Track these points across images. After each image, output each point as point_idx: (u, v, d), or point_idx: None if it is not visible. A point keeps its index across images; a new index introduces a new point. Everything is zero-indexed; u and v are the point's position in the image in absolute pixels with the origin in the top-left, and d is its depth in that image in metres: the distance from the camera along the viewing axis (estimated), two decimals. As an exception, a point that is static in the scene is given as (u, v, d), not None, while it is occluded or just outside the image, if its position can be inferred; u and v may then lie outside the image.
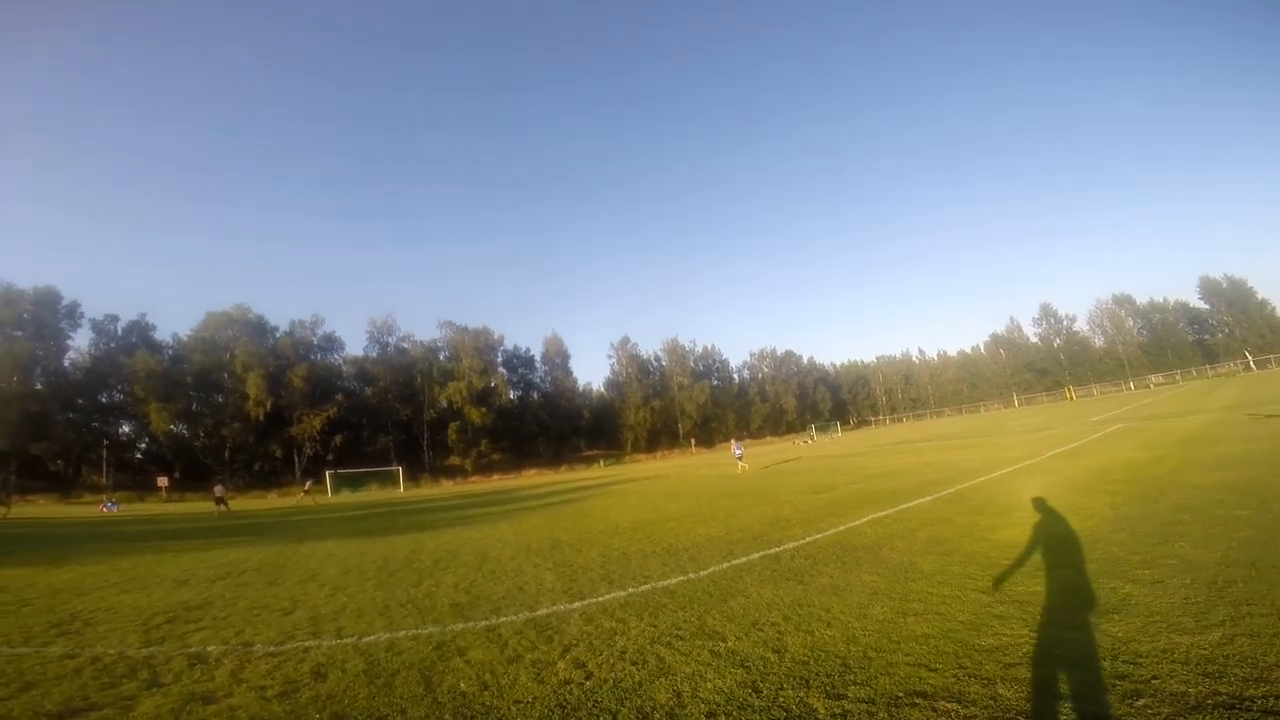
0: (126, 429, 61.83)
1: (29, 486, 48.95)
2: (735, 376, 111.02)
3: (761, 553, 7.20)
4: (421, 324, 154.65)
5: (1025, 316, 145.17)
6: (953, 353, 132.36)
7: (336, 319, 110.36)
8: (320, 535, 14.41)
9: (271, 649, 4.87)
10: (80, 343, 60.44)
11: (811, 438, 72.88)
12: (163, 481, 47.23)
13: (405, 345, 76.95)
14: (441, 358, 77.20)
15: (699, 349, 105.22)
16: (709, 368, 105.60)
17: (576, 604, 5.67)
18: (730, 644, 4.22)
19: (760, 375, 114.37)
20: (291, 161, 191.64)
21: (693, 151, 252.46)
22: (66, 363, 58.57)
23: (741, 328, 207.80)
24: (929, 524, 7.92)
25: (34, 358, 54.70)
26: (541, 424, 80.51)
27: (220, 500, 29.54)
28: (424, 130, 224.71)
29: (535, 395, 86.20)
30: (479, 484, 53.24)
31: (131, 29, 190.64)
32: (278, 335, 68.12)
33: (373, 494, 41.96)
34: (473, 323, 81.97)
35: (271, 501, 42.84)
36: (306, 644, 4.95)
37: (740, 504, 12.89)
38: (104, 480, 55.11)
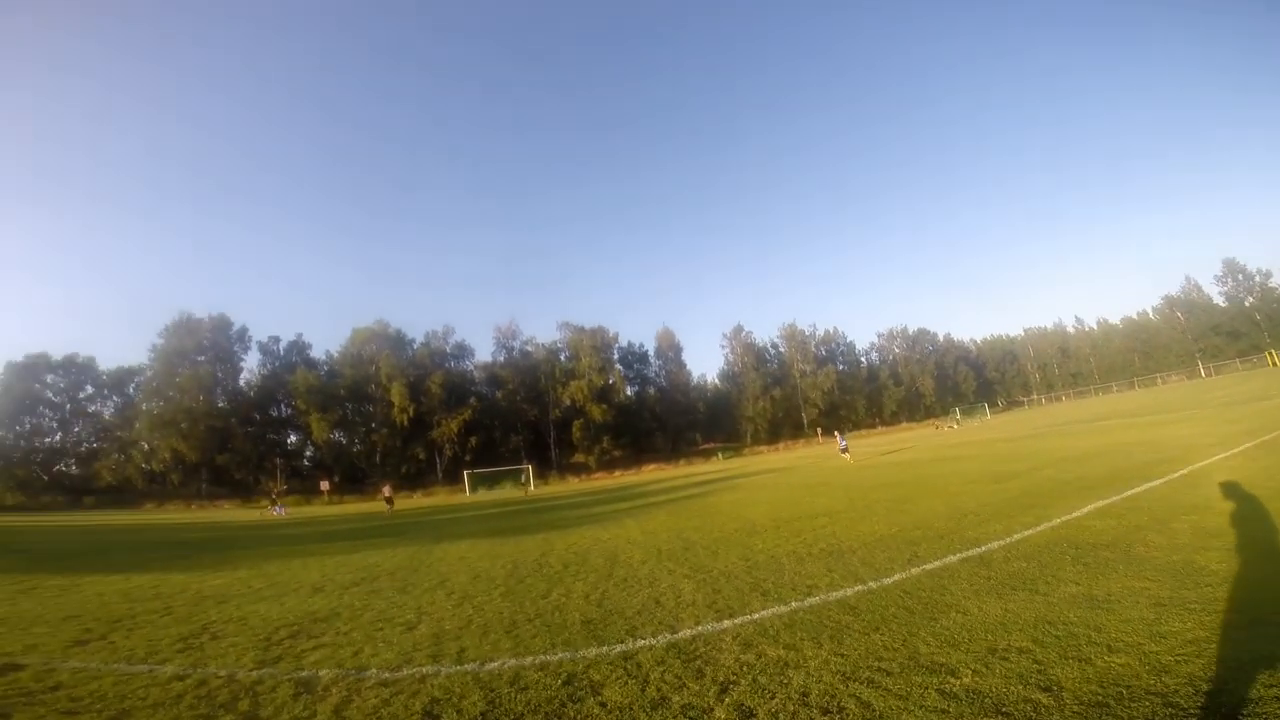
0: (293, 439, 69.02)
1: (217, 493, 55.91)
2: (863, 360, 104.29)
3: (960, 555, 5.74)
4: (540, 326, 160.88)
5: (1203, 275, 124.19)
6: (1115, 320, 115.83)
7: (461, 326, 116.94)
8: (456, 535, 14.45)
9: (386, 675, 4.24)
10: (250, 363, 68.49)
11: (956, 422, 66.68)
12: (325, 485, 52.09)
13: (529, 349, 79.72)
14: (562, 358, 79.18)
15: (819, 333, 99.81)
16: (832, 352, 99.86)
17: (726, 623, 4.62)
18: (967, 681, 2.99)
19: (891, 357, 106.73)
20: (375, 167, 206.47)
21: (786, 127, 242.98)
22: (242, 382, 66.57)
23: (864, 308, 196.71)
24: (1181, 512, 6.06)
25: (215, 379, 62.75)
26: (658, 418, 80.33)
27: (389, 500, 32.95)
28: (529, 129, 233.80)
29: (651, 390, 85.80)
30: (603, 480, 53.79)
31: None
32: (415, 347, 73.20)
33: (506, 492, 43.51)
34: (588, 322, 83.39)
35: (417, 501, 45.70)
36: (424, 669, 4.28)
37: (901, 495, 11.22)
38: (280, 486, 61.83)
